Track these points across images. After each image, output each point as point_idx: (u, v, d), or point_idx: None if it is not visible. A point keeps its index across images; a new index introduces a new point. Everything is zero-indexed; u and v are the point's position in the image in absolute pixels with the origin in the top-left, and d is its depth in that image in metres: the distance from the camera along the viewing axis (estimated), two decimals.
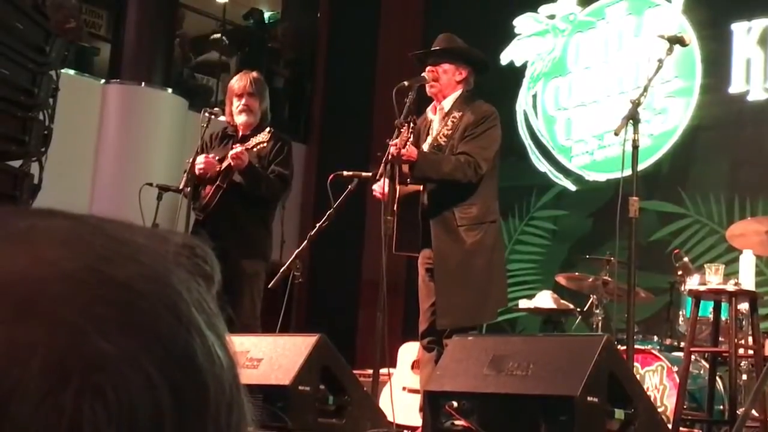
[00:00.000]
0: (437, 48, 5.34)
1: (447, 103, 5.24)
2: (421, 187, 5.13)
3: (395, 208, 4.96)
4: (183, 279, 0.51)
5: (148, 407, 0.46)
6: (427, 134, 5.26)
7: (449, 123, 5.18)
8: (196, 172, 5.46)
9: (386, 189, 4.86)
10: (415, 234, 5.11)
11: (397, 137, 4.90)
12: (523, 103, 8.89)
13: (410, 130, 4.97)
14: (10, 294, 0.46)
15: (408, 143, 4.93)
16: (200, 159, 5.49)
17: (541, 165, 8.71)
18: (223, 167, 5.44)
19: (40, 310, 0.45)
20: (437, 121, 5.27)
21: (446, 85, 5.23)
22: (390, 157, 4.87)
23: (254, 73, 5.77)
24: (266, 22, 11.61)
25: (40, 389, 0.44)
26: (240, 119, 5.62)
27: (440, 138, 5.17)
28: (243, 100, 5.61)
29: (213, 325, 0.51)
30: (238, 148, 5.40)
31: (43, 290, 0.46)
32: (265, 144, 5.53)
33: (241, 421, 0.51)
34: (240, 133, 5.64)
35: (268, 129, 5.60)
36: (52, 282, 0.47)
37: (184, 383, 0.47)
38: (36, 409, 0.43)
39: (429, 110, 5.35)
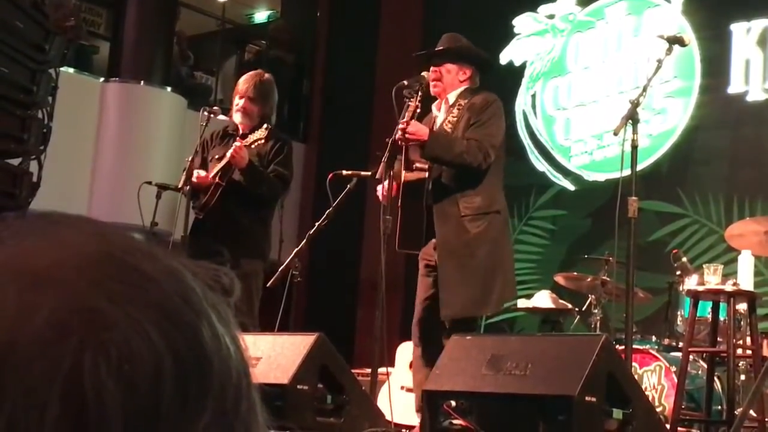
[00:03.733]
0: (440, 48, 5.34)
1: (452, 96, 5.26)
2: (426, 175, 5.12)
3: (400, 197, 4.96)
4: (198, 282, 0.54)
5: (150, 369, 0.48)
6: (432, 128, 5.26)
7: (455, 111, 5.19)
8: (192, 182, 5.50)
9: (386, 187, 4.86)
10: (418, 230, 5.10)
11: (405, 112, 4.90)
12: (522, 102, 8.89)
13: (418, 100, 4.97)
14: (30, 268, 0.49)
15: (414, 116, 4.93)
16: (196, 174, 5.51)
17: (540, 165, 8.71)
18: (222, 165, 5.44)
19: (54, 280, 0.49)
20: (442, 113, 5.27)
21: (450, 85, 5.24)
22: (398, 136, 4.86)
23: (266, 76, 5.77)
24: (266, 20, 11.62)
25: (41, 340, 0.47)
26: (235, 118, 5.68)
27: (446, 125, 5.17)
28: (241, 102, 5.63)
29: (225, 321, 0.54)
30: (237, 145, 5.40)
31: (60, 265, 0.50)
32: (262, 141, 5.52)
33: (250, 412, 0.53)
34: (240, 131, 5.65)
35: (265, 126, 5.59)
36: (70, 258, 0.50)
37: (187, 354, 0.50)
38: (36, 357, 0.46)
39: (434, 107, 5.36)
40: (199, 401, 0.50)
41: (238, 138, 5.55)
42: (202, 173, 5.54)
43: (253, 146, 5.49)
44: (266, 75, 5.83)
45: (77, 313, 0.48)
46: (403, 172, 5.01)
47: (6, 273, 0.49)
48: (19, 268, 0.50)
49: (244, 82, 5.70)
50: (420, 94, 4.99)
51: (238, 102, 5.65)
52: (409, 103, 4.94)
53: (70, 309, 0.48)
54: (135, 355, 0.48)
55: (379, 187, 5.00)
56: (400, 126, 4.88)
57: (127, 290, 0.50)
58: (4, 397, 0.46)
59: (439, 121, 5.26)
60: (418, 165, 5.11)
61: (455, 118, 5.16)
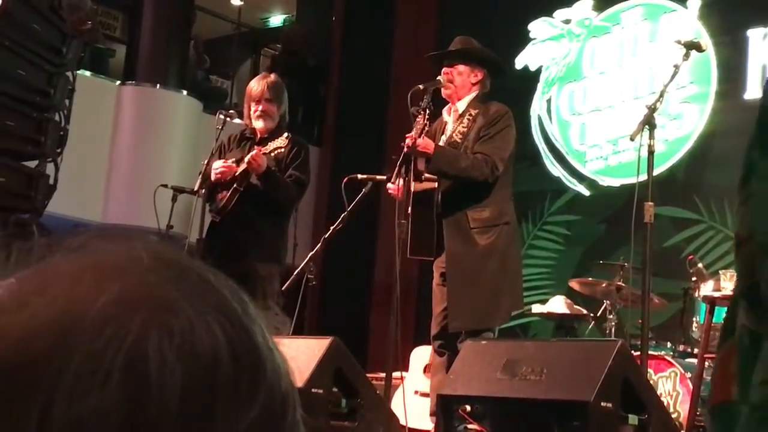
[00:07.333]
0: (452, 49, 5.35)
1: (461, 105, 5.25)
2: (436, 185, 5.12)
3: (410, 206, 4.95)
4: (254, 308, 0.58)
5: (208, 355, 0.51)
6: (442, 133, 5.25)
7: (465, 121, 5.19)
8: (213, 177, 5.45)
9: (401, 185, 4.86)
10: (430, 237, 5.10)
11: (414, 126, 4.90)
12: (537, 107, 8.87)
13: (426, 117, 4.96)
14: (105, 262, 0.54)
15: (423, 133, 4.92)
16: (218, 164, 5.47)
17: (555, 170, 8.69)
18: (240, 170, 5.42)
19: (127, 271, 0.53)
20: (452, 121, 5.27)
21: (461, 87, 5.24)
22: (405, 149, 4.86)
23: (272, 77, 5.74)
24: (281, 24, 11.64)
25: (109, 313, 0.50)
26: (257, 124, 5.60)
27: (456, 135, 5.17)
28: (260, 106, 5.59)
29: (275, 343, 0.58)
30: (255, 152, 5.39)
31: (133, 262, 0.54)
32: (282, 149, 5.51)
33: (294, 428, 0.55)
34: (258, 136, 5.63)
35: (286, 135, 5.57)
36: (142, 258, 0.55)
37: (242, 350, 0.53)
38: (103, 327, 0.50)
39: (444, 111, 5.36)
40: (251, 394, 0.53)
41: (256, 146, 5.52)
42: (228, 162, 5.46)
43: (272, 153, 5.47)
44: (272, 74, 5.82)
45: (145, 296, 0.52)
46: (413, 182, 5.01)
47: (84, 264, 0.54)
48: (95, 262, 0.54)
49: (256, 85, 5.66)
50: (428, 111, 4.97)
51: (256, 107, 5.60)
52: (418, 119, 4.93)
53: (138, 292, 0.52)
54: (196, 339, 0.51)
55: (391, 184, 5.00)
56: (409, 141, 4.88)
57: (192, 289, 0.54)
58: (71, 360, 0.49)
59: (448, 129, 5.25)
60: (427, 175, 5.11)
61: (465, 128, 5.16)
